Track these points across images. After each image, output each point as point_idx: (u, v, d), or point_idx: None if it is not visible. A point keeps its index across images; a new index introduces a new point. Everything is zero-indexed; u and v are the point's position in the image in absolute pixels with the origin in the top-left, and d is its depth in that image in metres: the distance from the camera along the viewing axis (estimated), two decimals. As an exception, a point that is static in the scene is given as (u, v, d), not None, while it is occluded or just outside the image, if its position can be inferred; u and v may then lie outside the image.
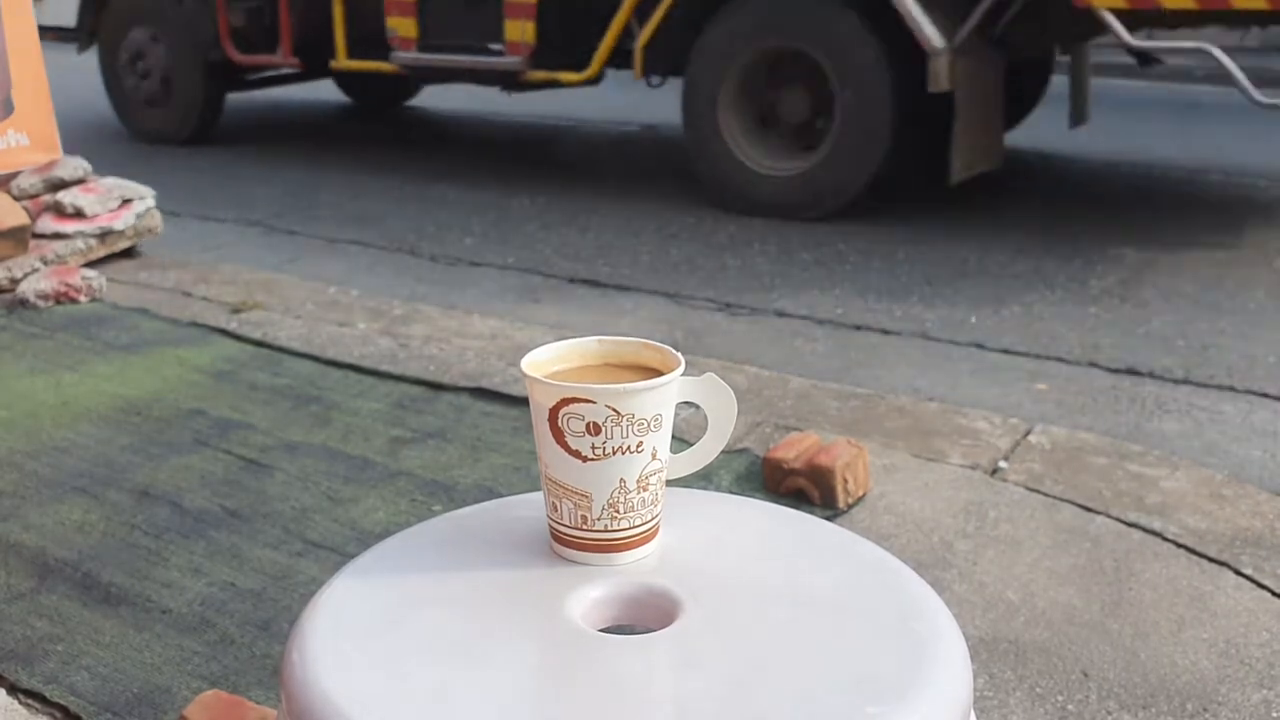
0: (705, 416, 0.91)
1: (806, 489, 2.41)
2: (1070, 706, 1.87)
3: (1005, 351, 3.79)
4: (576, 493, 0.87)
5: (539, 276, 4.54)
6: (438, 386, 3.00)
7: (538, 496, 0.93)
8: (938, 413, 2.90)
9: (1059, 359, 3.75)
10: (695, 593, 0.86)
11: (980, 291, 4.32)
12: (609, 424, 0.84)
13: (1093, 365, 3.69)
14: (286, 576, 2.14)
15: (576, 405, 0.83)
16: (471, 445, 2.66)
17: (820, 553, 0.93)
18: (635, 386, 0.84)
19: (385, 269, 4.64)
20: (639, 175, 6.45)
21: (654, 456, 0.87)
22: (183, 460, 2.59)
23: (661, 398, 0.85)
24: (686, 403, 0.90)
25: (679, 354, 0.89)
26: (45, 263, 3.86)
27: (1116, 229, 5.13)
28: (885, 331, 3.92)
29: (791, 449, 2.46)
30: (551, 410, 0.85)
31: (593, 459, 0.85)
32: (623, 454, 0.85)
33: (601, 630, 0.84)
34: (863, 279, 4.48)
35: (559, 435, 0.85)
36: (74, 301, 3.66)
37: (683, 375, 0.88)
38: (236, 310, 3.55)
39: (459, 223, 5.41)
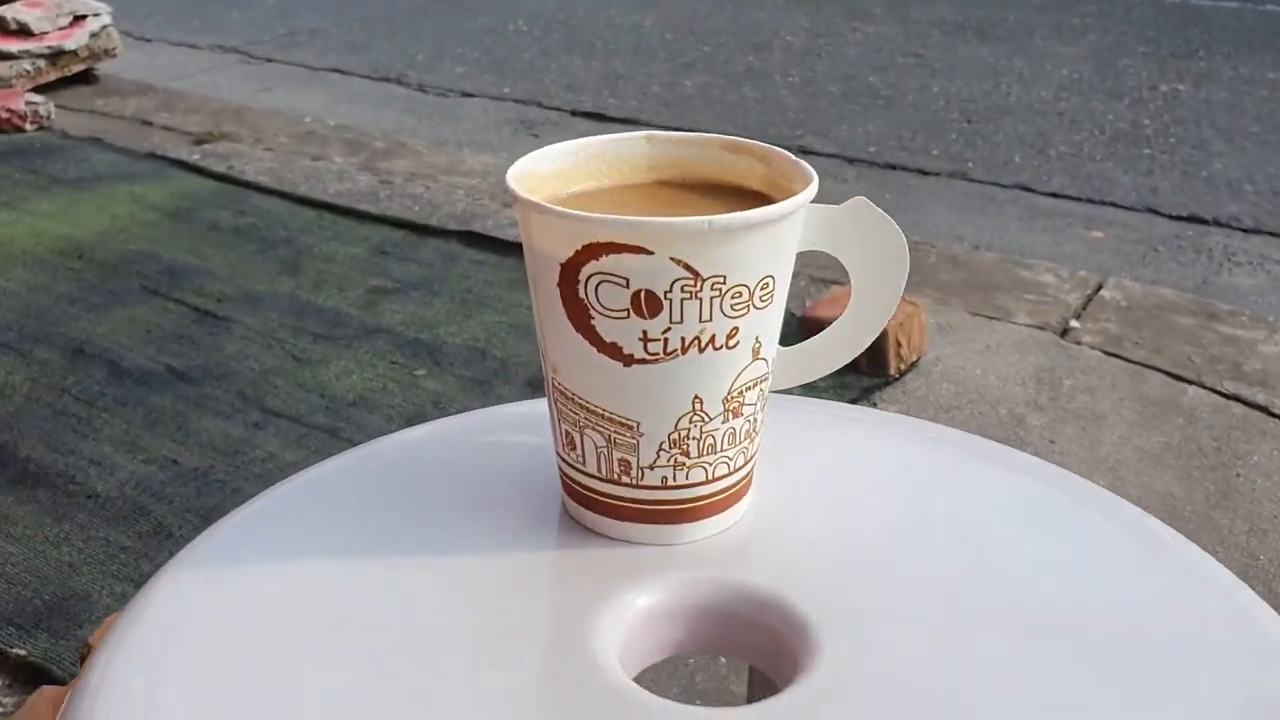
0: (845, 272, 0.54)
1: (851, 352, 2.06)
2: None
3: (1055, 195, 3.42)
4: (614, 419, 0.51)
5: (538, 108, 4.10)
6: (423, 230, 2.62)
7: (542, 408, 0.57)
8: (996, 264, 2.54)
9: (1114, 204, 3.36)
10: (836, 607, 0.50)
11: (1024, 130, 3.92)
12: (678, 294, 0.48)
13: (1151, 212, 3.31)
14: (238, 452, 1.80)
15: (616, 257, 0.47)
16: (461, 298, 2.30)
17: (1060, 524, 0.57)
18: (730, 220, 0.47)
19: (369, 100, 4.20)
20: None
21: (756, 354, 0.51)
22: (127, 312, 2.23)
23: (775, 242, 0.49)
24: (814, 252, 0.54)
25: (803, 162, 0.52)
26: (-15, 86, 3.44)
27: (1170, 64, 4.68)
28: (922, 172, 3.53)
29: (835, 306, 2.10)
30: (568, 266, 0.48)
31: (647, 360, 0.49)
32: (700, 350, 0.49)
33: (652, 677, 0.49)
34: (896, 115, 4.07)
35: (581, 315, 0.49)
36: (18, 130, 3.26)
37: (813, 201, 0.51)
38: (200, 141, 3.15)
39: (451, 50, 4.94)
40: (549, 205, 0.48)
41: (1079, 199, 3.38)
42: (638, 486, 0.52)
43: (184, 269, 2.42)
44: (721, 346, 0.49)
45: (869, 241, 0.53)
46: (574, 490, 0.55)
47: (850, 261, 0.54)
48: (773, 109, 4.10)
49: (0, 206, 2.76)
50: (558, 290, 0.49)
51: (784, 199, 0.50)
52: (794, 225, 0.50)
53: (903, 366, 2.08)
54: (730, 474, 0.53)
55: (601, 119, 3.98)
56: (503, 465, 0.60)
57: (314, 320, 2.21)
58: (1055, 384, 2.06)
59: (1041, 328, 2.25)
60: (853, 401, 1.97)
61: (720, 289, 0.48)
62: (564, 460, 0.55)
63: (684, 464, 0.52)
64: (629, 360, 0.49)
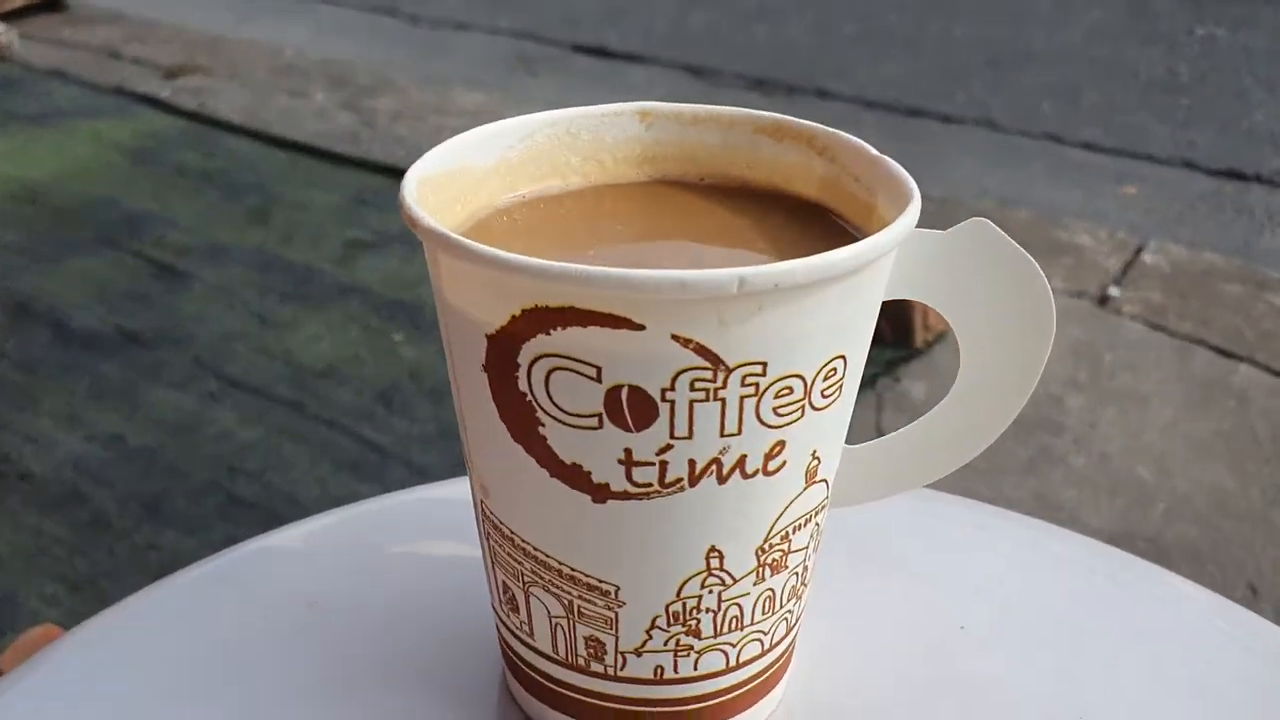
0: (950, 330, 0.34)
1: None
2: (1241, 641, 1.37)
3: (1086, 147, 3.21)
4: (578, 579, 0.32)
5: (534, 43, 3.87)
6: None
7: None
8: (1029, 223, 2.34)
9: (1148, 157, 3.16)
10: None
11: (1052, 76, 3.70)
12: (686, 393, 0.29)
13: (1188, 166, 3.12)
14: (192, 429, 1.62)
15: (579, 332, 0.28)
16: (445, 254, 2.10)
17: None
18: (778, 274, 0.28)
19: (357, 32, 3.97)
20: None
21: (811, 477, 0.32)
22: (79, 264, 2.04)
23: (851, 304, 0.31)
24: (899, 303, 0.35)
25: (890, 161, 0.33)
26: (-56, 12, 3.22)
27: (1207, 7, 4.44)
28: (945, 119, 3.32)
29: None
30: (499, 342, 0.30)
31: (632, 494, 0.31)
32: (722, 480, 0.30)
33: None
34: (916, 57, 3.85)
35: (523, 418, 0.31)
36: (-23, 60, 3.04)
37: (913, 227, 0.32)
38: (172, 75, 2.93)
39: (447, -20, 4.70)
40: (468, 242, 0.29)
41: (1110, 151, 3.18)
42: (616, 679, 0.33)
43: (144, 217, 2.22)
44: (756, 472, 0.30)
45: (993, 286, 0.34)
46: (518, 668, 0.36)
47: (964, 318, 0.35)
48: (786, 48, 3.87)
49: (-49, 144, 2.56)
50: (484, 376, 0.30)
51: (858, 219, 0.31)
52: (878, 276, 0.31)
53: (929, 338, 1.89)
54: (764, 654, 0.35)
55: (604, 54, 3.75)
56: (412, 600, 0.41)
57: (282, 277, 2.01)
58: (1095, 359, 1.88)
59: (1079, 295, 2.06)
60: (872, 378, 1.78)
61: (757, 384, 0.29)
62: (504, 624, 0.36)
63: (691, 648, 0.33)
64: (602, 493, 0.30)
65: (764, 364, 0.29)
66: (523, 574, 0.33)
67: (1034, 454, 1.65)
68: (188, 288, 1.98)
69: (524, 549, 0.32)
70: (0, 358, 1.79)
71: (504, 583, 0.34)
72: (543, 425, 0.30)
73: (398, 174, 2.37)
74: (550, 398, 0.29)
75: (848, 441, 0.35)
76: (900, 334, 1.87)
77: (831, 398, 0.31)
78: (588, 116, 0.37)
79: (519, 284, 0.28)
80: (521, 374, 0.29)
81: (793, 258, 0.28)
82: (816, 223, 0.34)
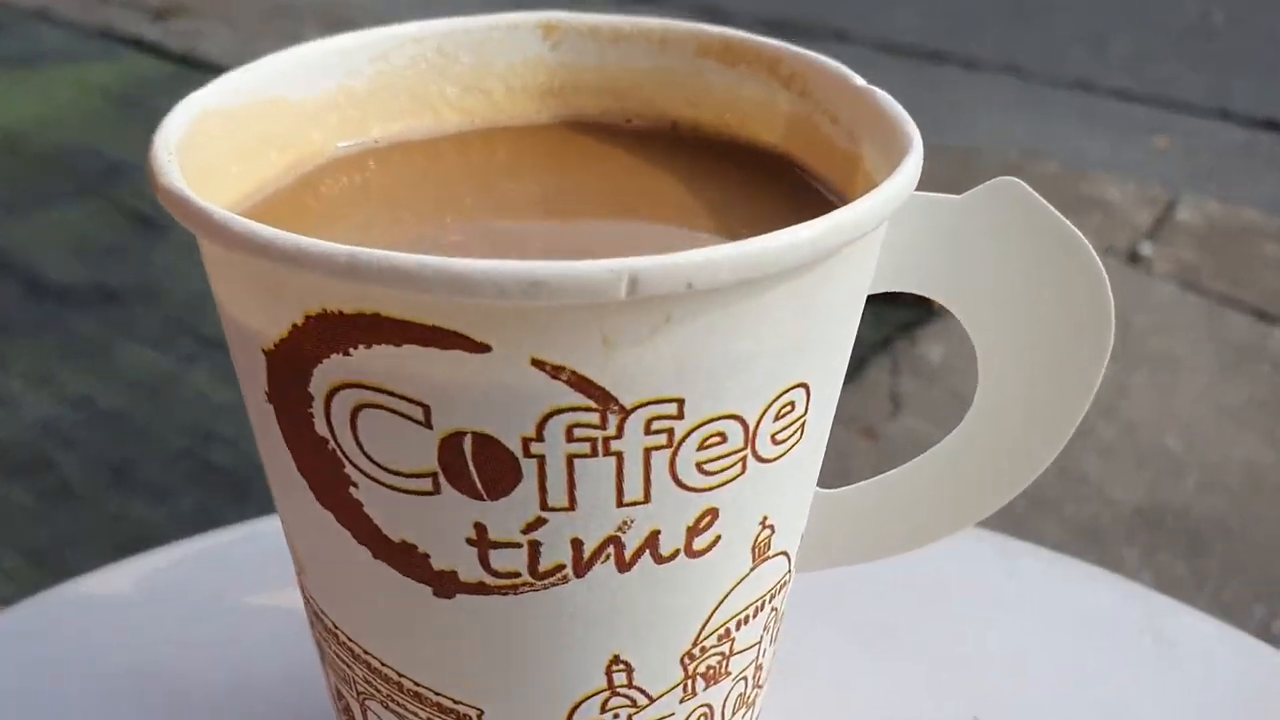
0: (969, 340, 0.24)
1: (890, 282, 1.76)
2: (1277, 625, 1.30)
3: (1115, 95, 3.09)
4: (425, 699, 0.21)
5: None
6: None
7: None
8: (1056, 176, 2.23)
9: (1181, 107, 3.04)
10: None
11: (1081, 21, 3.57)
12: (562, 446, 0.19)
13: (1223, 116, 3.00)
14: (164, 390, 1.53)
15: (394, 354, 0.19)
16: (438, 205, 2.00)
17: None
18: (705, 261, 0.18)
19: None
20: None
21: (760, 552, 0.22)
22: (56, 214, 1.96)
23: (819, 310, 0.20)
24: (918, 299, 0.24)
25: (881, 93, 0.23)
26: (-69, -49, 3.11)
27: (1244, -53, 4.29)
28: (969, 64, 3.20)
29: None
30: (282, 361, 0.20)
31: (492, 589, 0.21)
32: (623, 567, 0.20)
33: None
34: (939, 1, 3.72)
35: (326, 473, 0.21)
36: (-38, 1, 2.94)
37: (909, 186, 0.21)
38: (160, 16, 2.82)
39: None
40: (203, 207, 0.19)
41: (1141, 100, 3.05)
42: None
43: (125, 166, 2.13)
44: (676, 553, 0.21)
45: (1026, 273, 0.24)
46: None
47: (982, 316, 0.25)
48: (802, -11, 3.73)
49: (-69, 88, 2.47)
50: (270, 410, 0.20)
51: (837, 176, 0.22)
52: (859, 262, 0.21)
53: (947, 299, 1.79)
54: None
55: None
56: (270, 664, 0.32)
57: (267, 230, 1.92)
58: (1124, 322, 1.78)
59: (1107, 252, 1.95)
60: (886, 340, 1.68)
61: (670, 431, 0.19)
62: None
63: None
64: (448, 585, 0.21)
65: (679, 401, 0.19)
66: (355, 682, 0.23)
67: (1058, 422, 1.55)
68: (166, 240, 1.89)
69: (352, 650, 0.23)
70: (-33, 314, 1.71)
71: (337, 688, 0.24)
72: (355, 485, 0.20)
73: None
74: (360, 447, 0.20)
75: (833, 470, 0.25)
76: (917, 294, 1.77)
77: (788, 442, 0.21)
78: (469, 31, 0.27)
79: (292, 277, 0.18)
80: (317, 410, 0.20)
81: (742, 235, 0.18)
82: (779, 182, 0.25)
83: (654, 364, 0.19)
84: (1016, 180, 0.24)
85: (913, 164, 0.21)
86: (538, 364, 0.18)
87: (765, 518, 0.22)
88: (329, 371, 0.19)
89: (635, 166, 0.26)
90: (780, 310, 0.19)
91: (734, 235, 0.20)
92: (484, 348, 0.18)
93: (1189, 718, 0.32)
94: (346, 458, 0.20)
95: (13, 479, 1.41)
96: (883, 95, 0.24)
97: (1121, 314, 1.88)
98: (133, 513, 1.36)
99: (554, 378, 0.18)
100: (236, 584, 0.36)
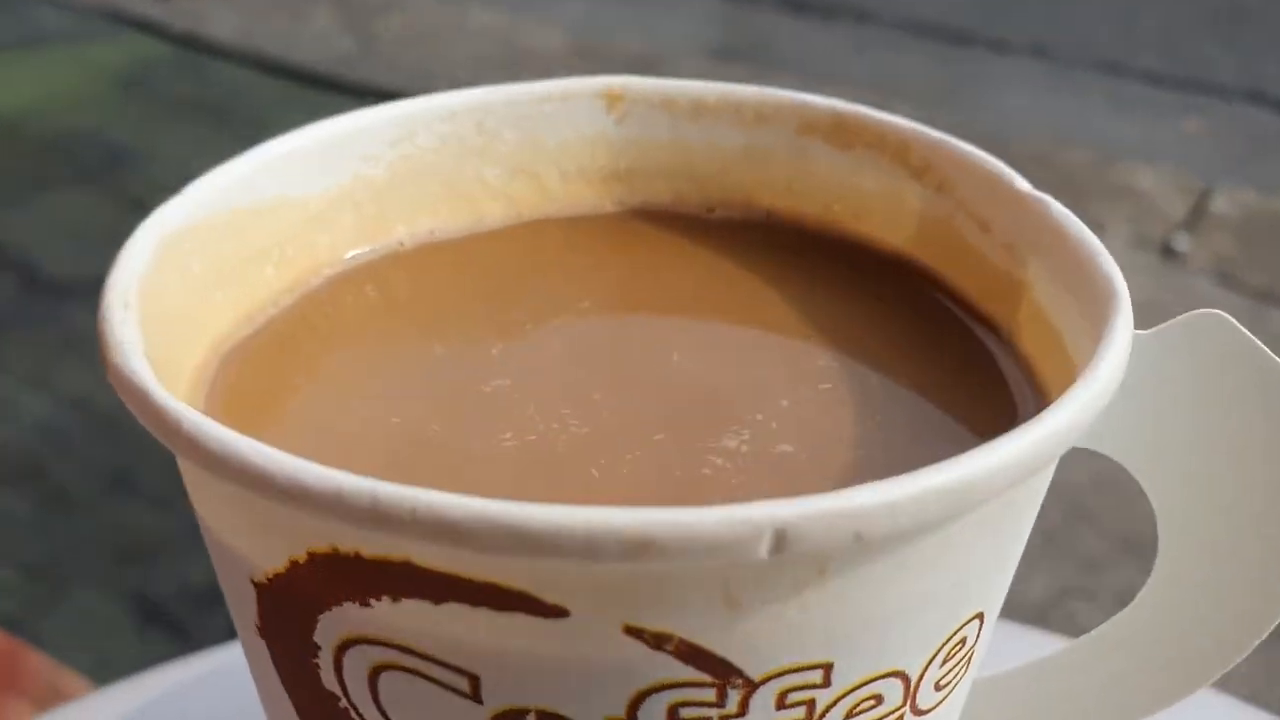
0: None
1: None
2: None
3: (1145, 77, 3.03)
4: None
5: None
6: (411, 108, 2.26)
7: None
8: (1086, 164, 2.17)
9: (1213, 89, 2.99)
10: None
11: (1109, 1, 3.52)
12: None
13: (1256, 99, 2.95)
14: (165, 394, 1.48)
15: (426, 615, 0.12)
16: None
17: None
18: (860, 513, 0.12)
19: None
20: None
21: None
22: (54, 201, 1.91)
23: (999, 529, 0.14)
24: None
25: (1060, 210, 0.17)
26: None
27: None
28: (995, 45, 3.15)
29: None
30: (273, 602, 0.13)
31: None
32: None
33: None
34: (961, -22, 3.64)
35: None
36: (-37, -21, 2.88)
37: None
38: (166, -5, 2.76)
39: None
40: (171, 408, 0.14)
41: (1172, 83, 2.99)
42: None
43: (126, 153, 2.08)
44: None
45: (1232, 431, 0.18)
46: None
47: (1163, 475, 0.19)
48: (822, -32, 3.66)
49: (-71, 70, 2.42)
50: (263, 646, 0.15)
51: (989, 298, 0.17)
52: (1054, 463, 0.15)
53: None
54: None
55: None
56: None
57: (274, 220, 1.87)
58: (1160, 319, 1.72)
59: (1139, 245, 1.89)
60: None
61: (810, 705, 0.14)
62: None
63: None
64: None
65: (825, 667, 0.14)
66: None
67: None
68: (171, 230, 1.85)
69: None
70: (-38, 308, 1.67)
71: None
72: None
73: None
74: (384, 713, 0.14)
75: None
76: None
77: (951, 684, 0.16)
78: (513, 102, 0.21)
79: (293, 515, 0.13)
80: (324, 662, 0.14)
81: (896, 388, 0.13)
82: (914, 300, 0.19)
83: (796, 626, 0.13)
84: (1221, 314, 0.19)
85: (1124, 327, 0.16)
86: (633, 632, 0.13)
87: None
88: (340, 621, 0.14)
89: (722, 270, 0.21)
90: (968, 538, 0.14)
91: (884, 389, 0.14)
92: (559, 611, 0.13)
93: None
94: (355, 715, 0.15)
95: (7, 485, 1.37)
96: (1059, 209, 0.18)
97: (1156, 310, 1.82)
98: (130, 521, 1.32)
99: (655, 648, 0.13)
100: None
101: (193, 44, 2.51)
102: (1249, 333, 0.19)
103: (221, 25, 2.61)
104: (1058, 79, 2.93)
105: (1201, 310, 0.19)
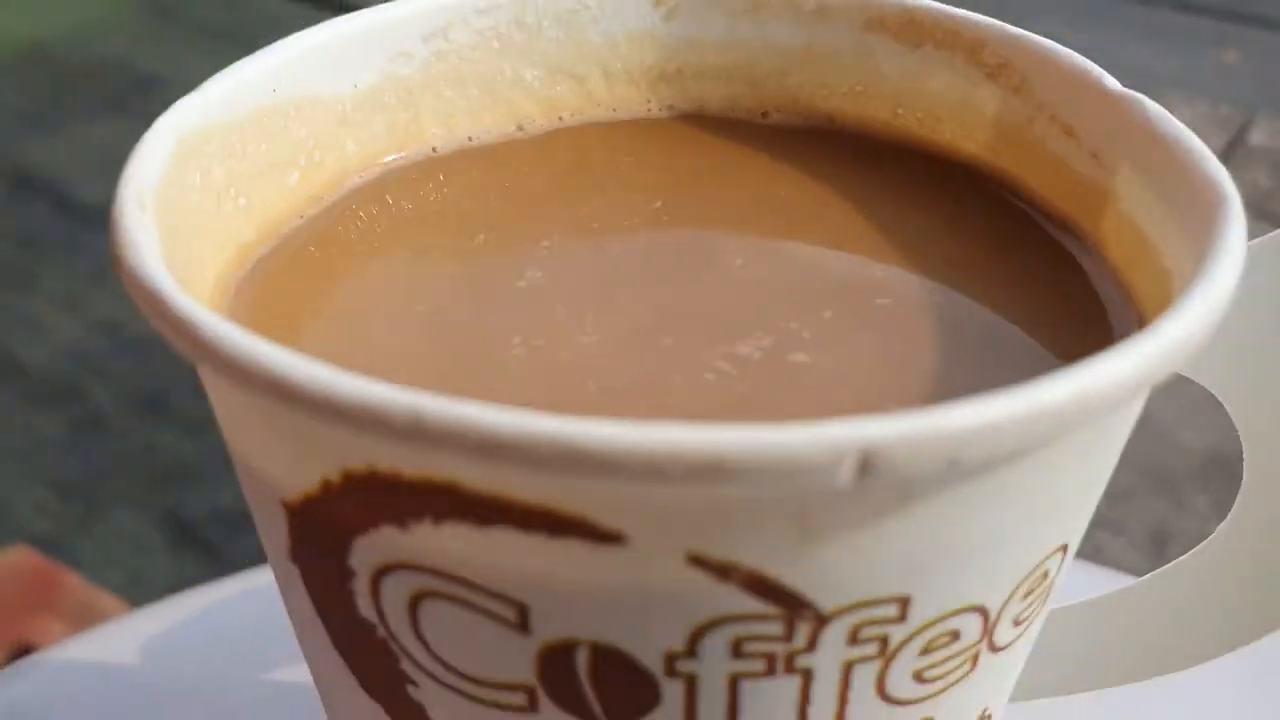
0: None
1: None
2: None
3: (1181, 6, 2.96)
4: None
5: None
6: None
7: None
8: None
9: (1253, 18, 2.92)
10: None
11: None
12: (724, 659, 0.13)
13: (1295, 29, 2.87)
14: (196, 320, 1.48)
15: (471, 541, 0.12)
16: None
17: None
18: (956, 436, 0.11)
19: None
20: None
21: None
22: (85, 131, 1.90)
23: (1090, 455, 0.13)
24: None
25: (1155, 107, 0.15)
26: None
27: None
28: (1029, -26, 3.06)
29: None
30: (305, 526, 0.14)
31: None
32: None
33: None
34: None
35: (379, 668, 0.15)
36: (-9, -99, 2.86)
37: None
38: (193, -81, 2.73)
39: None
40: (194, 316, 0.13)
41: (1209, 11, 2.92)
42: None
43: (156, 80, 2.07)
44: None
45: None
46: None
47: (1252, 401, 0.18)
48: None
49: (-42, -5, 2.41)
50: (295, 572, 0.14)
51: (1081, 215, 0.16)
52: (1144, 397, 0.14)
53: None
54: None
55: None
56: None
57: (303, 147, 1.86)
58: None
59: (1178, 180, 1.86)
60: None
61: (884, 640, 0.13)
62: None
63: None
64: None
65: (902, 600, 0.13)
66: None
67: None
68: (200, 157, 1.84)
69: None
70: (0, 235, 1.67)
71: None
72: (414, 684, 0.14)
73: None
74: (425, 645, 0.14)
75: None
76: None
77: (1030, 620, 0.15)
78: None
79: (326, 431, 0.12)
80: (360, 589, 0.14)
81: (980, 304, 0.12)
82: (992, 212, 0.18)
83: (873, 557, 0.12)
84: None
85: (1238, 234, 0.14)
86: (696, 561, 0.12)
87: (985, 710, 0.16)
88: (377, 546, 0.13)
89: (781, 178, 0.19)
90: (1062, 464, 0.13)
91: (963, 303, 0.13)
92: (616, 538, 0.12)
93: None
94: (404, 651, 0.14)
95: (42, 407, 1.38)
96: (1155, 110, 0.17)
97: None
98: (164, 444, 1.33)
99: (720, 579, 0.12)
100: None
101: (220, -31, 2.49)
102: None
103: (248, -50, 2.59)
104: (1089, 5, 2.87)
105: (1274, 233, 0.18)
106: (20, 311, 1.52)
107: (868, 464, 0.11)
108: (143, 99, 2.00)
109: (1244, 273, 0.16)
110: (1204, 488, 1.35)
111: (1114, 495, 1.37)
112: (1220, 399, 0.19)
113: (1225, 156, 1.95)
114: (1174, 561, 0.21)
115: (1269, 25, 2.86)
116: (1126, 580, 0.23)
